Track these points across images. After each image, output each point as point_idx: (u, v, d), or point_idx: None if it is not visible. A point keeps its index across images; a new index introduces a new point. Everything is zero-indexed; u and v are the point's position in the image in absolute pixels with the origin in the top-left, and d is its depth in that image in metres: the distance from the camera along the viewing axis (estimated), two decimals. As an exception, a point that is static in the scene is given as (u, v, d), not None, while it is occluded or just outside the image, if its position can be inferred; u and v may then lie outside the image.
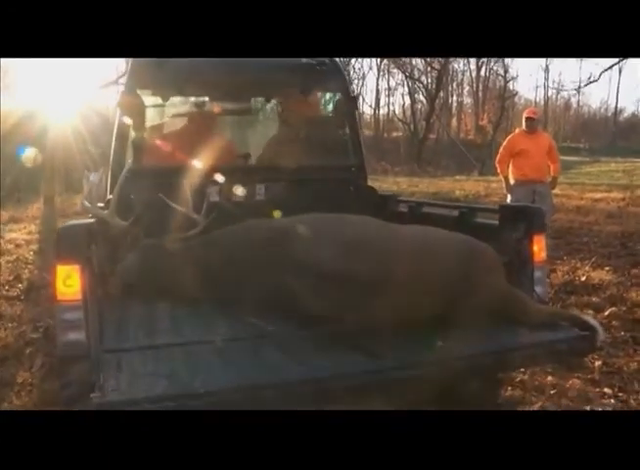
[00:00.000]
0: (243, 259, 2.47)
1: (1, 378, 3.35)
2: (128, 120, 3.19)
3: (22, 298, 4.92)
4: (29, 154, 9.77)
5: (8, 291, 5.07)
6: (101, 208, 2.72)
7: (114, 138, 3.27)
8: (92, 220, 2.25)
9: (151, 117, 3.65)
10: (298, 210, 2.61)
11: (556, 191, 6.90)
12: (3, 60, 16.67)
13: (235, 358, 1.97)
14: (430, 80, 29.41)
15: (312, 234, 2.37)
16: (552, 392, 3.08)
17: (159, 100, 3.58)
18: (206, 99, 3.85)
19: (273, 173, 3.53)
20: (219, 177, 3.17)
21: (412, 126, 29.80)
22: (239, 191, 3.36)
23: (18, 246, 6.90)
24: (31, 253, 6.57)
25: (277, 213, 2.96)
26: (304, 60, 3.62)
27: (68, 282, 1.84)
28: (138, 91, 3.28)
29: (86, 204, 2.64)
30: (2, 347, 3.84)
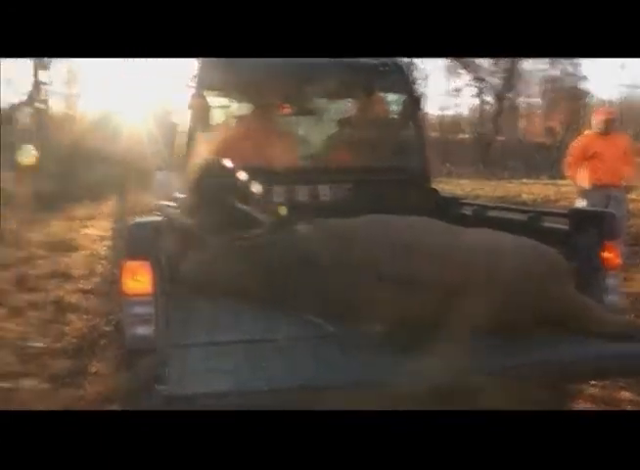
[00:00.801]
0: (306, 260, 2.49)
1: (76, 367, 3.52)
2: (197, 121, 3.28)
3: (96, 291, 5.14)
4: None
5: (83, 284, 5.32)
6: (170, 206, 2.80)
7: (182, 138, 3.37)
8: (161, 218, 2.31)
9: (218, 118, 3.73)
10: (361, 211, 2.61)
11: (633, 196, 6.59)
12: (75, 62, 17.42)
13: (297, 358, 1.99)
14: (498, 81, 28.71)
15: (374, 236, 2.36)
16: (629, 408, 2.96)
17: (225, 101, 3.65)
18: (271, 100, 3.90)
19: (337, 175, 3.54)
20: (284, 178, 3.21)
21: (479, 128, 29.18)
22: (303, 192, 3.41)
23: (93, 241, 7.22)
24: (105, 248, 6.85)
25: (282, 210, 2.96)
26: (368, 60, 3.61)
27: (137, 277, 1.89)
28: (205, 92, 3.36)
29: (155, 202, 2.71)
30: (78, 337, 4.03)
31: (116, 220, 8.79)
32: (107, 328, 4.18)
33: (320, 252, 2.46)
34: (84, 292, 5.10)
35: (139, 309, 1.88)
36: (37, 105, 19.10)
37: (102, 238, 7.47)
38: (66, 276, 5.54)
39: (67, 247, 6.79)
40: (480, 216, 3.14)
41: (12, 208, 9.90)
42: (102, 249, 6.81)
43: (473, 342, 1.99)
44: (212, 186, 3.02)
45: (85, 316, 4.48)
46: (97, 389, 3.20)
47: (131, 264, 1.89)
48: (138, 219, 2.08)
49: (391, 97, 4.24)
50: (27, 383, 3.31)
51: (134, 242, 1.94)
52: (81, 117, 14.36)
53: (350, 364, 1.93)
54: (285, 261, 2.52)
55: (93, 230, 7.97)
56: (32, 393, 3.19)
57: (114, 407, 2.45)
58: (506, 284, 2.13)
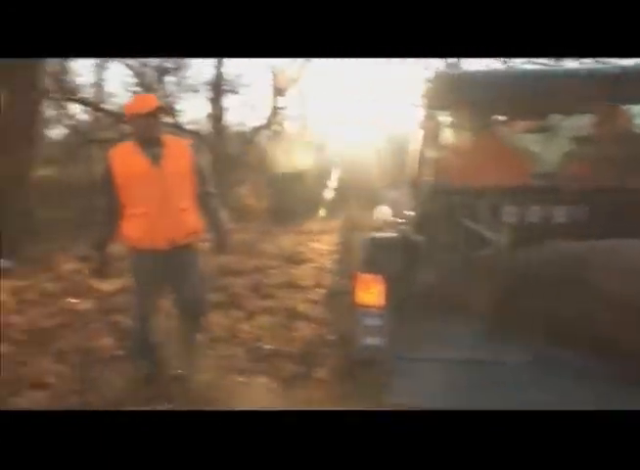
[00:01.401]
0: (537, 283, 2.37)
1: (302, 371, 3.76)
2: (428, 140, 3.29)
3: (323, 302, 5.44)
4: None
5: (311, 295, 5.66)
6: (400, 223, 2.86)
7: (413, 157, 3.39)
8: (394, 234, 2.36)
9: (449, 136, 3.71)
10: (599, 234, 2.44)
11: None
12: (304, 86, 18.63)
13: (526, 382, 1.90)
14: None
15: (613, 262, 2.17)
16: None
17: (456, 118, 3.61)
18: (504, 116, 3.77)
19: (573, 195, 3.30)
20: (515, 197, 3.08)
21: None
22: (535, 212, 3.22)
23: (320, 254, 7.64)
24: (331, 262, 7.21)
25: (514, 230, 2.79)
26: (609, 67, 3.31)
27: (370, 290, 1.97)
28: (437, 111, 3.36)
29: (387, 219, 2.79)
30: (305, 343, 4.30)
31: (344, 235, 9.20)
32: (331, 337, 4.39)
33: (553, 276, 2.32)
34: (312, 302, 5.42)
35: (370, 321, 1.95)
36: (275, 127, 21.02)
37: (329, 252, 7.87)
38: (295, 286, 5.94)
39: (297, 259, 7.29)
40: None
41: (249, 220, 10.99)
42: (329, 262, 7.17)
43: None
44: (443, 204, 3.00)
45: (312, 325, 4.75)
46: (321, 393, 3.37)
47: (365, 277, 1.97)
48: (373, 235, 2.16)
49: (637, 109, 3.85)
50: (259, 380, 3.62)
51: (369, 256, 2.03)
52: (310, 135, 15.39)
53: (581, 393, 1.79)
54: (515, 284, 2.43)
55: (321, 244, 8.43)
56: (262, 390, 3.48)
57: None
58: None
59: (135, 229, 3.29)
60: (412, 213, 2.85)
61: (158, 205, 3.26)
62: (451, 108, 3.50)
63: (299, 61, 19.82)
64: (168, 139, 3.42)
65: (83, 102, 16.61)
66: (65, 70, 16.96)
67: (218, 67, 19.88)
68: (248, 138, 17.40)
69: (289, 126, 23.25)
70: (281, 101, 20.40)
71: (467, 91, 3.22)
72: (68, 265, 6.73)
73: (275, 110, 19.69)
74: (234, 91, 21.00)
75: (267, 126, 19.31)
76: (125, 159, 3.32)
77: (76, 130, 16.56)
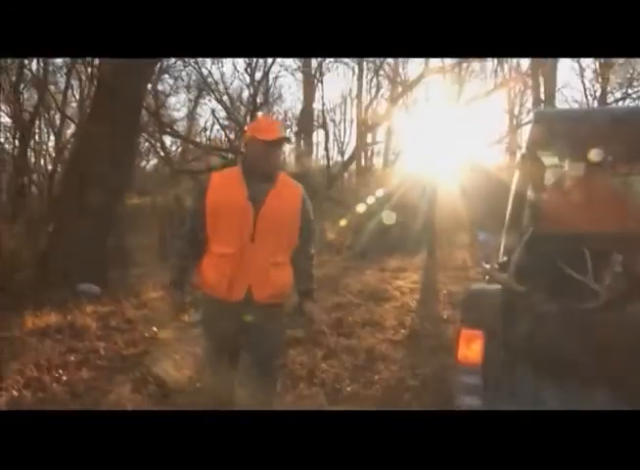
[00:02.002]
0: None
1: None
2: (525, 181, 3.11)
3: (405, 343, 5.21)
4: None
5: (393, 335, 5.45)
6: (495, 269, 2.65)
7: (510, 199, 3.19)
8: (498, 287, 2.21)
9: (549, 178, 3.47)
10: None
11: None
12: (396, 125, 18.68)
13: None
14: None
15: None
16: None
17: (556, 159, 3.38)
18: (609, 157, 3.47)
19: None
20: (621, 244, 2.80)
21: None
22: None
23: (403, 293, 7.43)
24: (414, 301, 6.99)
25: (620, 281, 2.53)
26: None
27: (471, 346, 1.83)
28: (539, 153, 3.14)
29: (485, 265, 2.60)
30: (385, 387, 4.10)
31: (426, 274, 8.97)
32: (412, 382, 4.16)
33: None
34: (393, 342, 5.21)
35: (469, 378, 1.81)
36: (362, 163, 21.19)
37: (411, 291, 7.65)
38: (377, 325, 5.75)
39: (379, 297, 7.11)
40: None
41: (332, 255, 10.95)
42: (412, 301, 6.95)
43: None
44: (542, 250, 2.78)
45: (393, 367, 4.54)
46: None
47: (466, 333, 1.86)
48: (474, 287, 2.05)
49: None
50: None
51: (470, 311, 1.92)
52: (399, 171, 15.37)
53: None
54: (620, 342, 2.18)
55: (403, 282, 8.23)
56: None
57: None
58: None
59: (214, 271, 2.77)
60: (508, 259, 2.62)
61: (247, 249, 2.72)
62: (551, 149, 3.27)
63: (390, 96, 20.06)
64: (282, 178, 2.86)
65: (177, 135, 17.38)
66: (161, 105, 17.89)
67: (307, 102, 20.44)
68: (333, 173, 17.60)
69: (376, 162, 23.49)
70: (370, 137, 20.71)
71: (569, 130, 3.00)
72: (154, 293, 6.85)
73: (363, 145, 19.96)
74: (322, 126, 21.53)
75: (354, 162, 19.57)
76: (225, 186, 2.80)
77: (169, 161, 17.29)
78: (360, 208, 12.69)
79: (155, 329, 5.41)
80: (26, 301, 6.32)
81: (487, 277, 2.57)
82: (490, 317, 1.90)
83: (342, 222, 12.96)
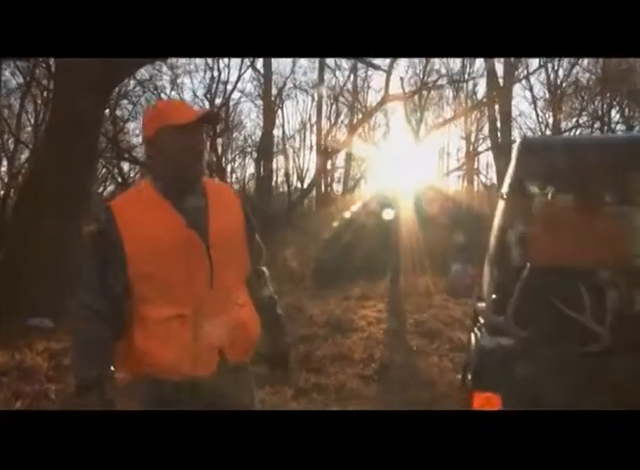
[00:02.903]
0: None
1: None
2: (514, 214, 2.94)
3: (376, 378, 5.05)
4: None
5: (363, 369, 5.27)
6: (490, 310, 2.48)
7: (494, 231, 3.02)
8: (510, 342, 2.04)
9: (535, 208, 3.35)
10: None
11: None
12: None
13: None
14: None
15: None
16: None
17: (547, 190, 3.26)
18: (600, 187, 3.36)
19: None
20: (617, 280, 2.67)
21: None
22: None
23: (369, 323, 7.28)
24: (381, 331, 6.85)
25: (618, 320, 2.36)
26: None
27: (486, 407, 1.67)
28: (526, 183, 3.01)
29: (478, 305, 2.45)
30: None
31: (391, 302, 8.86)
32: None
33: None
34: (364, 377, 5.04)
35: None
36: (322, 190, 21.21)
37: (377, 320, 7.51)
38: (346, 359, 5.57)
39: (346, 327, 6.93)
40: None
41: (295, 284, 10.74)
42: (379, 332, 6.82)
43: None
44: (538, 288, 2.52)
45: (365, 405, 4.36)
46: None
47: (481, 397, 1.70)
48: (485, 343, 1.88)
49: None
50: None
51: (485, 375, 1.76)
52: (359, 197, 15.38)
53: None
54: (626, 391, 2.04)
55: (369, 311, 8.07)
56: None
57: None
58: None
59: (162, 345, 1.86)
60: (501, 298, 2.46)
61: (206, 299, 1.89)
62: (542, 181, 3.14)
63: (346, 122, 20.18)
64: (210, 185, 2.04)
65: (135, 161, 17.02)
66: (119, 130, 17.53)
67: (267, 129, 20.36)
68: (294, 200, 17.49)
69: (336, 188, 23.51)
70: (330, 163, 20.72)
71: (559, 158, 2.90)
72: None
73: (323, 171, 19.95)
74: (282, 153, 21.50)
75: (314, 188, 19.54)
76: (140, 215, 1.89)
77: (126, 188, 16.88)
78: (321, 234, 12.59)
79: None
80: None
81: (482, 319, 2.39)
82: (508, 380, 1.74)
83: (304, 249, 12.82)
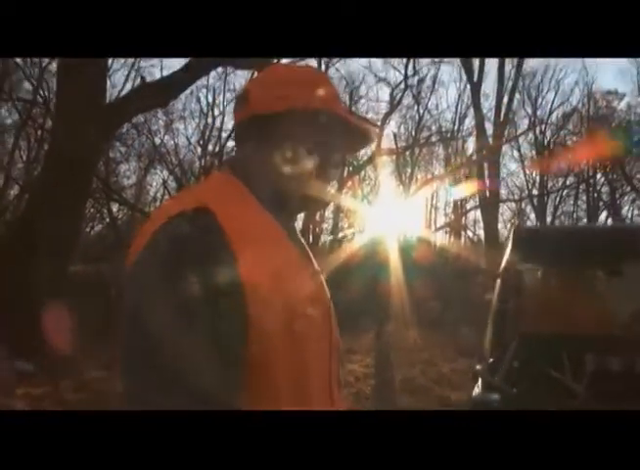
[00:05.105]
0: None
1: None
2: (509, 292, 3.40)
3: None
4: None
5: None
6: (486, 371, 2.84)
7: (494, 305, 3.45)
8: (502, 398, 2.27)
9: (528, 282, 3.94)
10: None
11: None
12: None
13: None
14: None
15: None
16: None
17: (536, 265, 3.87)
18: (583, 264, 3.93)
19: None
20: (596, 345, 3.07)
21: None
22: (617, 362, 3.12)
23: (357, 379, 7.22)
24: (369, 387, 6.79)
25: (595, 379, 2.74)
26: None
27: None
28: (519, 265, 3.52)
29: (477, 368, 2.77)
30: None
31: (378, 357, 8.80)
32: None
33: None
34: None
35: None
36: (309, 241, 21.30)
37: (365, 376, 7.46)
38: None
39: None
40: None
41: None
42: (366, 388, 6.77)
43: None
44: (524, 351, 2.96)
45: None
46: None
47: None
48: (481, 399, 2.00)
49: None
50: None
51: None
52: (347, 250, 15.47)
53: None
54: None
55: (357, 366, 8.03)
56: None
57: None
58: None
59: None
60: (497, 361, 2.88)
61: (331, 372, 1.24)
62: (534, 261, 3.69)
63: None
64: None
65: (125, 202, 17.07)
66: (111, 171, 17.65)
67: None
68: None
69: (324, 240, 23.61)
70: (318, 215, 20.91)
71: (548, 245, 3.45)
72: (93, 373, 6.41)
73: (311, 223, 20.11)
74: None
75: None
76: (256, 239, 1.08)
77: (114, 229, 16.87)
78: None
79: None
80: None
81: (480, 380, 2.71)
82: None
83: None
